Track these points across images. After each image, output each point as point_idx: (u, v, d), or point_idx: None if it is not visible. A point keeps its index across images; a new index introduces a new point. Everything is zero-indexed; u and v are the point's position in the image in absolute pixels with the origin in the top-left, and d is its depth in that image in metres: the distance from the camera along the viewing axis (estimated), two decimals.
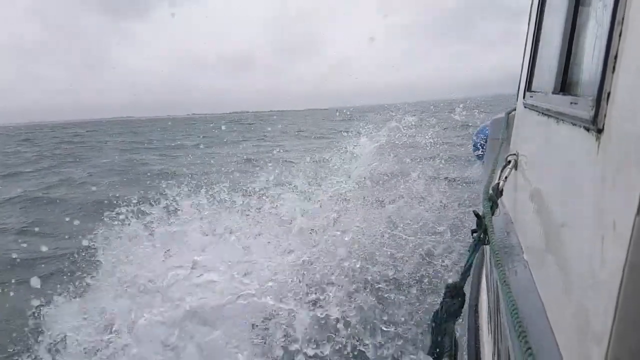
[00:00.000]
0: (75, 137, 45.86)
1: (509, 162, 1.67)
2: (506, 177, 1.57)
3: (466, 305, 1.61)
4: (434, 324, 1.25)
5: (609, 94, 0.66)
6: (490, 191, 1.46)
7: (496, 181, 1.55)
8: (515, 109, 2.35)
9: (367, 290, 4.87)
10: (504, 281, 0.93)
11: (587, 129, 0.75)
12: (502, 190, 1.49)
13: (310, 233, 6.17)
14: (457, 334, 1.28)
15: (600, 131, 0.69)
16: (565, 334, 0.80)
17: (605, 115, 0.67)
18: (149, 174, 14.17)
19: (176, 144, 29.77)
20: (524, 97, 1.84)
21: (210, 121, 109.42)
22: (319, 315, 4.29)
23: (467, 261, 1.33)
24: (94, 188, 12.36)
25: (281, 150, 21.04)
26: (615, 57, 0.64)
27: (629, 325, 0.52)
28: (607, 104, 0.66)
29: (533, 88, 1.69)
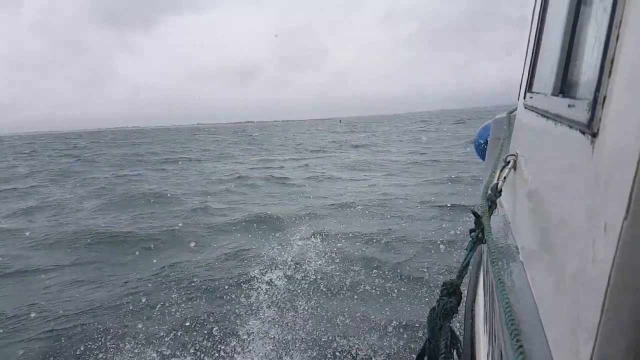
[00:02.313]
0: (76, 150, 45.48)
1: (508, 162, 1.67)
2: (505, 178, 1.56)
3: (463, 305, 1.62)
4: (429, 323, 1.24)
5: (604, 98, 0.65)
6: (489, 191, 1.44)
7: (495, 181, 1.53)
8: (516, 109, 2.33)
9: None
10: (499, 280, 0.93)
11: (583, 132, 0.75)
12: (501, 190, 1.47)
13: None
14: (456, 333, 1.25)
15: (595, 135, 0.68)
16: (556, 333, 0.80)
17: (600, 120, 0.67)
18: (134, 195, 13.42)
19: (174, 157, 29.16)
20: (524, 98, 1.81)
21: (215, 132, 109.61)
22: None
23: (465, 259, 1.32)
24: (68, 215, 11.60)
25: (276, 166, 20.34)
26: (612, 61, 0.63)
27: (615, 325, 0.54)
28: (602, 108, 0.66)
29: (533, 89, 1.67)
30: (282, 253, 6.64)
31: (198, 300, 5.28)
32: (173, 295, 5.40)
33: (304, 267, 6.05)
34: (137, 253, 7.47)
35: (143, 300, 5.33)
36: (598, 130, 0.68)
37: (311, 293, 5.37)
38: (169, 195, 13.11)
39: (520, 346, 0.73)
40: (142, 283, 5.93)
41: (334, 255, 6.54)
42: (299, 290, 5.41)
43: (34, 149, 51.06)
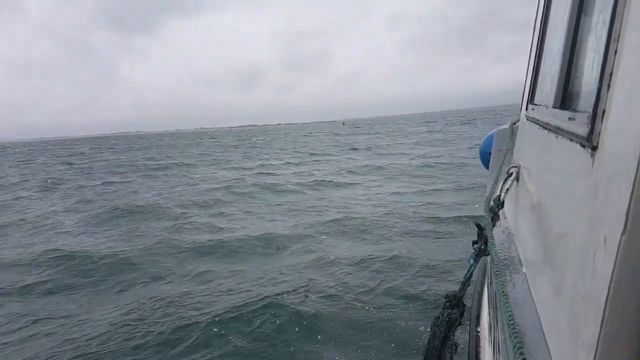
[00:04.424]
0: (73, 157, 44.85)
1: (511, 174, 1.67)
2: (507, 189, 1.55)
3: (468, 316, 1.78)
4: (432, 334, 1.24)
5: (604, 111, 0.65)
6: (492, 203, 1.44)
7: (498, 193, 1.53)
8: (519, 120, 2.26)
9: None
10: (503, 292, 0.93)
11: (583, 146, 0.75)
12: (504, 201, 1.47)
13: None
14: (457, 344, 1.23)
15: (594, 148, 0.68)
16: (557, 345, 0.81)
17: (599, 133, 0.67)
18: (118, 207, 12.52)
19: (167, 163, 28.38)
20: (526, 110, 1.82)
21: (217, 136, 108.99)
22: None
23: (468, 271, 1.32)
24: (43, 232, 10.75)
25: (272, 172, 19.45)
26: (611, 75, 0.63)
27: (614, 338, 0.55)
28: (601, 122, 0.66)
29: (535, 101, 1.68)
30: (258, 288, 5.72)
31: (151, 353, 4.35)
32: (118, 345, 4.47)
33: (282, 305, 5.11)
34: (97, 279, 6.56)
35: (81, 351, 4.41)
36: (598, 143, 0.67)
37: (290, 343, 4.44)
38: (152, 207, 12.22)
39: (524, 359, 0.73)
40: (90, 324, 4.99)
41: (320, 289, 5.59)
42: (276, 341, 4.48)
43: (32, 156, 50.60)
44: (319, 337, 4.55)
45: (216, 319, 4.85)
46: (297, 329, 4.69)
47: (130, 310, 5.29)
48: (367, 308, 5.03)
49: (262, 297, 5.35)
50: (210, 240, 8.12)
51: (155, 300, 5.47)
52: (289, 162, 23.99)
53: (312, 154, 29.51)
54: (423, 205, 10.16)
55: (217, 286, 5.94)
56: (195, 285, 6.03)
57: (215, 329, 4.69)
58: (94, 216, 11.68)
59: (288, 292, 5.48)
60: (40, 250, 8.48)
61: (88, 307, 5.64)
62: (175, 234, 8.83)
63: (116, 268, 6.96)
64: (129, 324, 4.85)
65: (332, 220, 9.05)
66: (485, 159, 3.66)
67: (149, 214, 11.36)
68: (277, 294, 5.41)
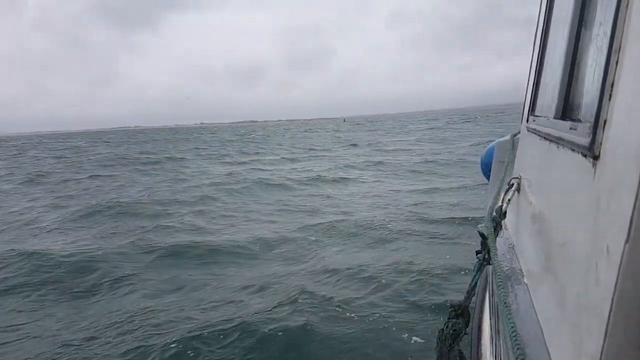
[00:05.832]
0: (68, 150, 43.92)
1: (512, 185, 1.69)
2: (509, 200, 1.55)
3: (471, 325, 1.68)
4: (439, 351, 1.22)
5: (605, 121, 0.66)
6: (494, 213, 1.43)
7: (499, 203, 1.52)
8: (520, 132, 2.24)
9: None
10: (505, 303, 0.93)
11: (585, 156, 0.76)
12: (506, 212, 1.46)
13: None
14: (462, 353, 1.19)
15: (596, 158, 0.69)
16: (560, 356, 0.80)
17: (601, 143, 0.68)
18: (99, 204, 11.65)
19: (160, 157, 27.56)
20: (527, 121, 1.83)
21: (217, 131, 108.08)
22: None
23: (472, 281, 1.31)
24: (15, 230, 9.93)
25: (265, 168, 18.63)
26: (612, 85, 0.65)
27: (618, 350, 0.54)
28: (603, 132, 0.67)
29: (536, 112, 1.68)
30: (236, 298, 4.91)
31: None
32: None
33: (264, 319, 4.30)
34: (55, 284, 5.73)
35: None
36: (599, 153, 0.67)
37: None
38: (134, 203, 11.40)
39: None
40: (29, 340, 4.19)
41: (309, 296, 4.77)
42: None
43: (24, 150, 49.70)
44: (306, 353, 3.78)
45: (180, 337, 4.04)
46: (279, 345, 3.90)
47: (83, 326, 4.47)
48: (361, 318, 4.28)
49: (240, 308, 4.56)
50: (189, 242, 7.29)
51: (112, 314, 4.65)
52: (285, 158, 23.19)
53: (311, 149, 28.72)
54: (422, 204, 9.37)
55: (188, 296, 5.12)
56: (163, 294, 5.21)
57: (175, 347, 3.87)
58: (72, 212, 10.85)
59: (274, 303, 4.66)
60: (2, 249, 7.65)
61: (34, 315, 4.83)
62: (152, 234, 7.99)
63: (79, 272, 6.13)
64: (72, 344, 4.04)
65: (328, 220, 8.24)
66: (486, 170, 3.61)
67: (130, 210, 10.53)
68: (260, 306, 4.61)
